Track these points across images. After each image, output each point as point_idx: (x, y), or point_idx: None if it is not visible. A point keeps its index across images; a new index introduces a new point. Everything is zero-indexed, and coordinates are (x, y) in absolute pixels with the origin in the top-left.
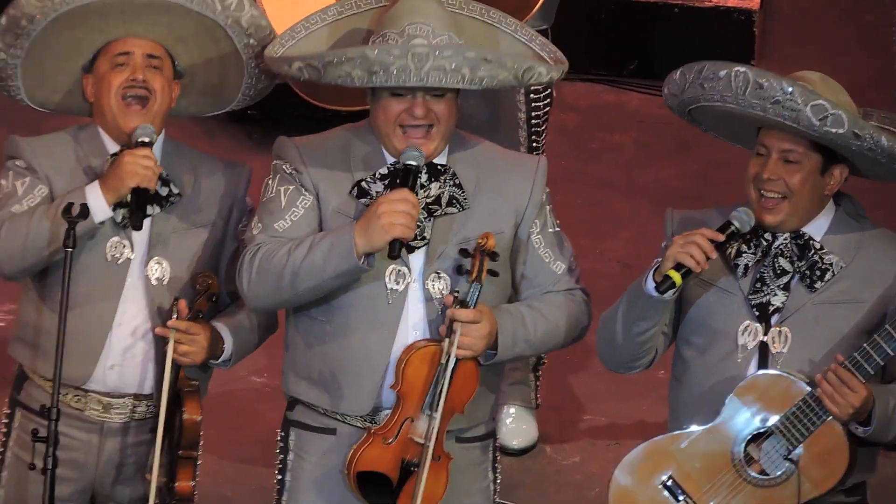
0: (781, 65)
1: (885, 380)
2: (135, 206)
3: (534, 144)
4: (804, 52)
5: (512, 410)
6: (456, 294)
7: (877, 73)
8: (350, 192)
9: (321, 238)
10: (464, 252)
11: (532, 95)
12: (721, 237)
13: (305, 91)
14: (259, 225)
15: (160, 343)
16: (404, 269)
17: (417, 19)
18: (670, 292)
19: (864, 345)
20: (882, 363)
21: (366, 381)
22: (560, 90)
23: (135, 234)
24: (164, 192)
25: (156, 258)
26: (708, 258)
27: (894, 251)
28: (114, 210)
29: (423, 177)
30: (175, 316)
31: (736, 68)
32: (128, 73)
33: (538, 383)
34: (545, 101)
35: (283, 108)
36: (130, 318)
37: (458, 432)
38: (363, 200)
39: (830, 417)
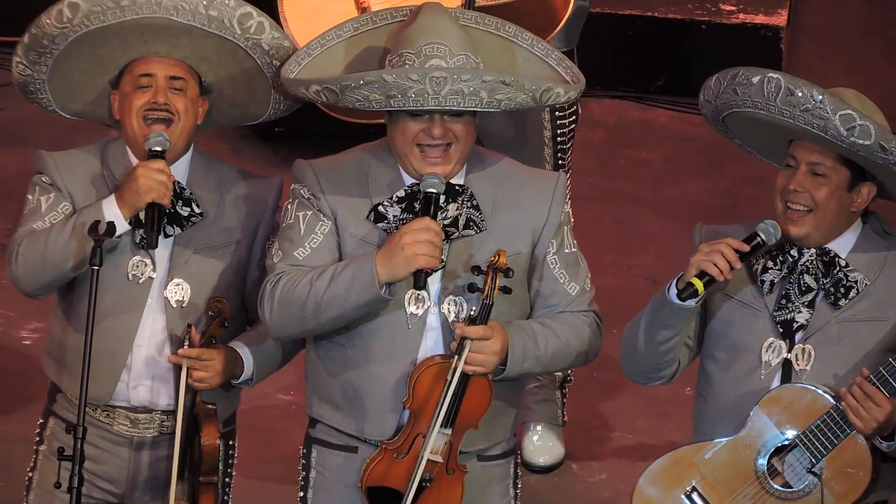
0: (808, 80)
1: None
2: (150, 224)
3: (559, 162)
4: (831, 68)
5: (538, 428)
6: (470, 311)
7: None
8: (367, 216)
9: (343, 268)
10: (476, 269)
11: (557, 113)
12: (746, 248)
13: (326, 105)
14: (279, 252)
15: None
16: (423, 293)
17: (434, 39)
18: (692, 300)
19: (890, 359)
20: None
21: (387, 404)
22: (587, 107)
23: (157, 253)
24: (185, 212)
25: (176, 280)
26: (732, 268)
27: None
28: (132, 228)
29: (441, 198)
30: (187, 343)
31: (769, 74)
32: (150, 95)
33: (565, 400)
34: (570, 119)
35: (309, 125)
36: (150, 337)
37: (479, 451)
38: (380, 225)
39: (854, 431)
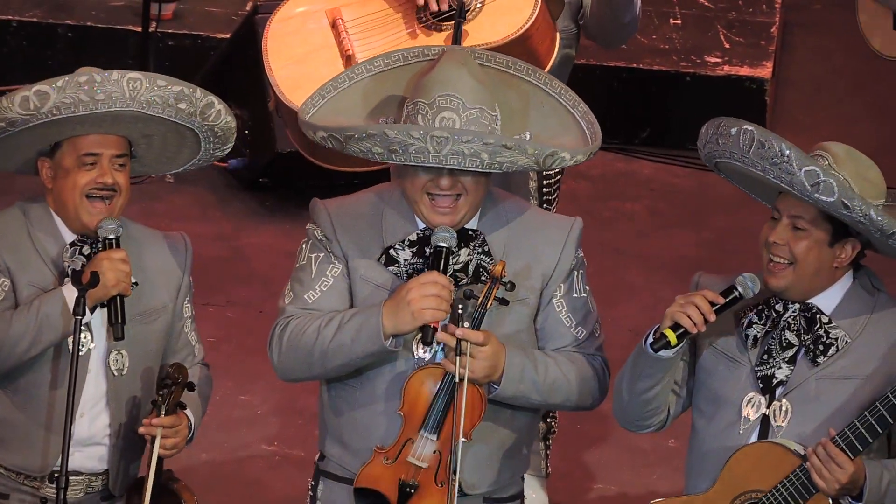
0: (793, 133)
1: (893, 450)
2: (116, 318)
3: None
4: (816, 121)
5: (523, 478)
6: (460, 313)
7: (890, 141)
8: (378, 258)
9: (350, 317)
10: (477, 281)
11: None
12: (721, 300)
13: (310, 152)
14: (290, 294)
15: (117, 426)
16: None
17: (448, 91)
18: (667, 351)
19: (856, 421)
20: (871, 440)
21: (378, 439)
22: None
23: (94, 324)
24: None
25: (115, 349)
26: (707, 321)
27: None
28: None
29: (452, 251)
30: (163, 412)
31: (745, 126)
32: (95, 174)
33: (548, 452)
34: (556, 171)
35: (295, 176)
36: (91, 407)
37: (486, 493)
38: (391, 268)
39: (818, 491)
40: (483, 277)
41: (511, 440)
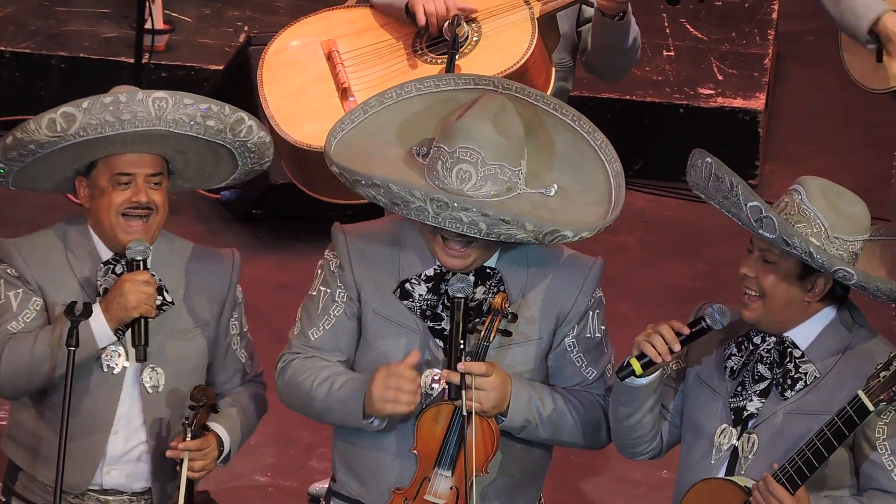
0: (787, 164)
1: (860, 482)
2: (140, 339)
3: None
4: (810, 152)
5: None
6: (463, 349)
7: (884, 173)
8: (394, 291)
9: (341, 385)
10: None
11: None
12: (687, 331)
13: (304, 184)
14: (298, 324)
15: (155, 444)
16: (440, 373)
17: (470, 144)
18: (636, 380)
19: (794, 455)
20: (809, 474)
21: (398, 480)
22: None
23: (129, 341)
24: (157, 300)
25: (150, 366)
26: (672, 351)
27: (865, 364)
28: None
29: (470, 279)
30: (189, 437)
31: (706, 158)
32: (130, 193)
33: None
34: None
35: (289, 207)
36: (126, 424)
37: None
38: (405, 302)
39: None
40: (485, 310)
41: (524, 474)
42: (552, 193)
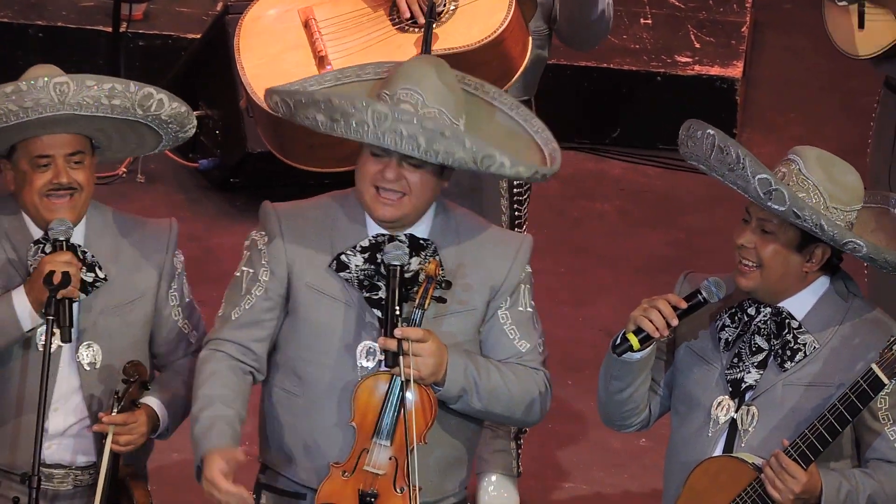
0: (765, 133)
1: (862, 452)
2: (62, 320)
3: (516, 213)
4: (787, 120)
5: (493, 478)
6: (399, 316)
7: (861, 141)
8: (329, 265)
9: (196, 421)
10: (411, 281)
11: None
12: (684, 305)
13: (281, 152)
14: (223, 304)
15: (96, 420)
16: (375, 346)
17: (411, 86)
18: (632, 354)
19: (806, 430)
20: (822, 449)
21: (335, 457)
22: None
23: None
24: (89, 277)
25: (86, 342)
26: (669, 325)
27: (870, 335)
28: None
29: (405, 248)
30: (115, 411)
31: (707, 130)
32: (50, 174)
33: (520, 451)
34: None
35: (266, 175)
36: (65, 402)
37: (433, 501)
38: (342, 274)
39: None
40: (420, 278)
41: (457, 449)
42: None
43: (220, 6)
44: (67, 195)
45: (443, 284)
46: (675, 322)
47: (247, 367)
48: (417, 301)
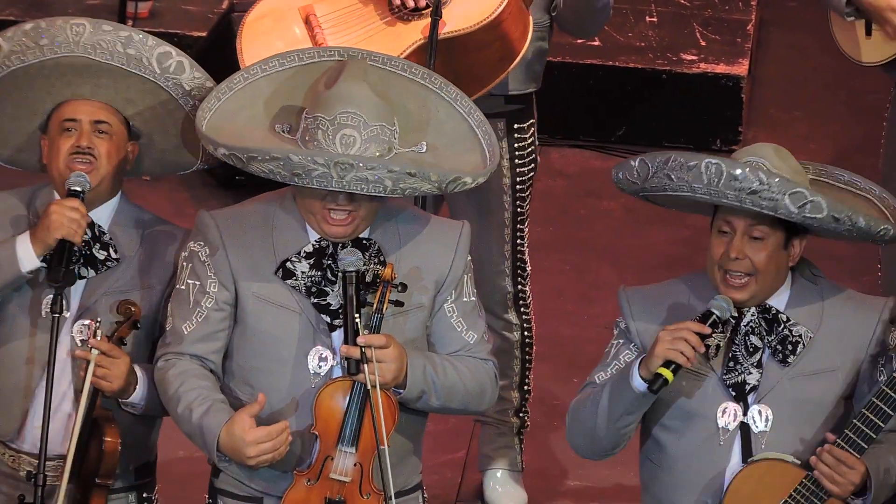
0: (769, 131)
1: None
2: (56, 260)
3: (518, 209)
4: (792, 118)
5: (499, 474)
6: (359, 323)
7: (865, 139)
8: (276, 272)
9: (188, 419)
10: (369, 287)
11: (517, 161)
12: (707, 330)
13: None
14: (170, 321)
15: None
16: (327, 352)
17: (349, 108)
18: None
19: (854, 420)
20: (875, 436)
21: (291, 465)
22: (548, 156)
23: (72, 293)
24: (101, 255)
25: (82, 320)
26: (696, 351)
27: (857, 313)
28: (46, 264)
29: (359, 254)
30: (96, 337)
31: (707, 160)
32: (74, 139)
33: (522, 447)
34: (529, 167)
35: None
36: (57, 377)
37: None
38: (289, 281)
39: (831, 497)
40: (376, 283)
41: (410, 441)
42: (424, 150)
43: (225, 4)
44: (87, 162)
45: (399, 287)
46: (702, 349)
47: (208, 371)
48: (375, 306)
